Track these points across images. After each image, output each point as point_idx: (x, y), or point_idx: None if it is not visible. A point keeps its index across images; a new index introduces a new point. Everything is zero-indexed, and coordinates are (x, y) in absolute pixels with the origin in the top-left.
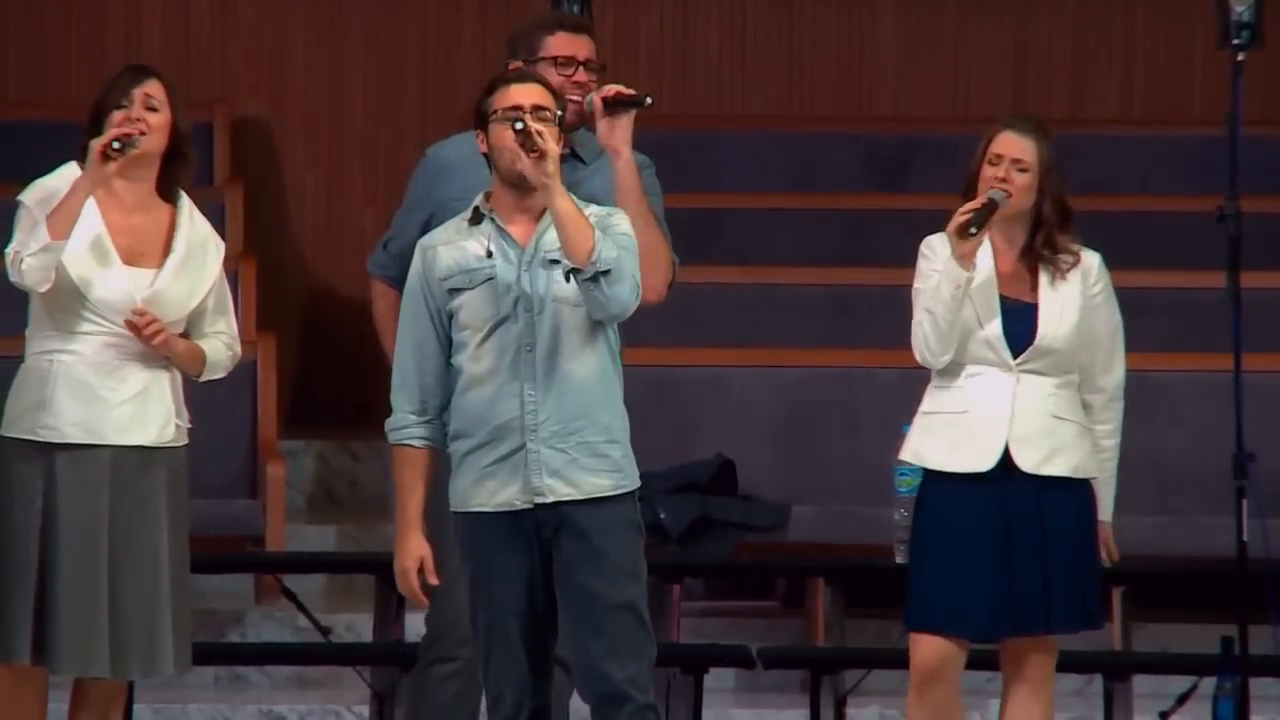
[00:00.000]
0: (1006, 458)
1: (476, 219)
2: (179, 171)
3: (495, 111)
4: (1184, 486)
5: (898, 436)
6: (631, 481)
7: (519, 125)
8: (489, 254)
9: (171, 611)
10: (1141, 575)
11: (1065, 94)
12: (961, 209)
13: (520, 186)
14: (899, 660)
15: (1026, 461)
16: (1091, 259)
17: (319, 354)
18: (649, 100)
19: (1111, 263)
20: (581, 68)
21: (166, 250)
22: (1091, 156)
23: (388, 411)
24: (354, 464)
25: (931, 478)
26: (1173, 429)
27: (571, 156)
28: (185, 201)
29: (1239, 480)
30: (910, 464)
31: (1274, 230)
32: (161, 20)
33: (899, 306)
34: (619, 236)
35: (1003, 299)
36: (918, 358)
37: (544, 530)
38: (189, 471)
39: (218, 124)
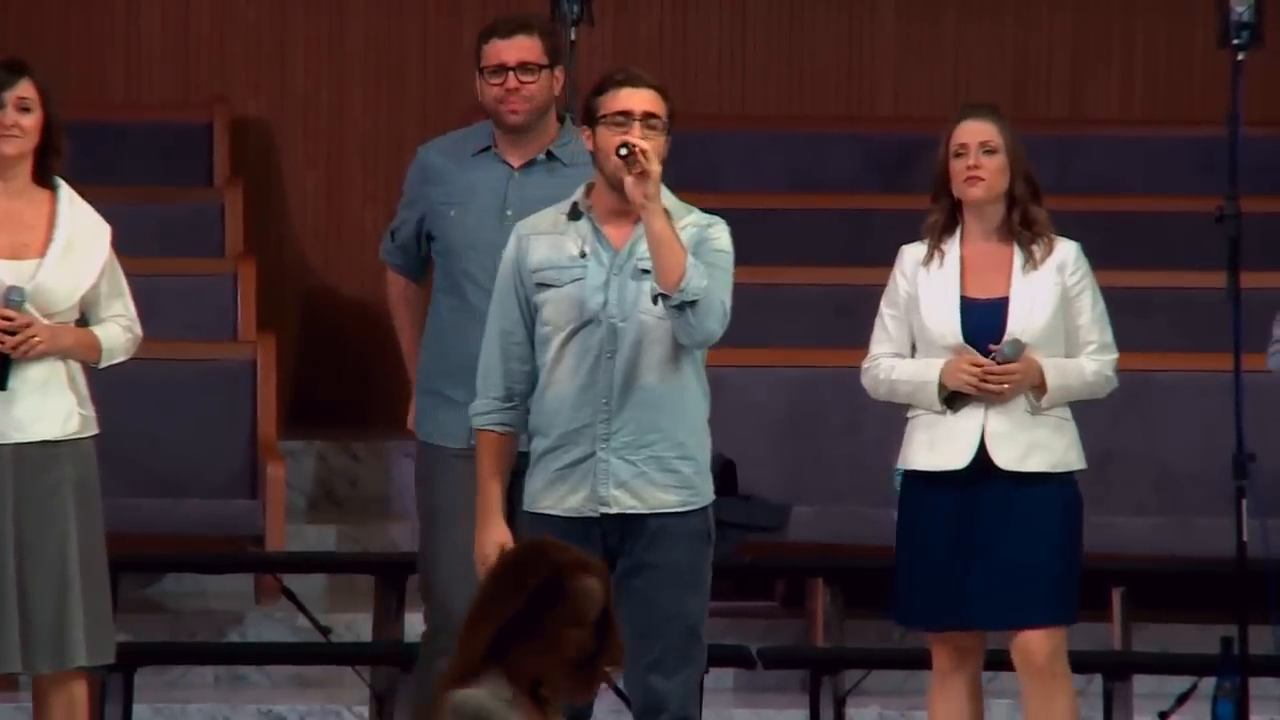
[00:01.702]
0: (985, 456)
1: (575, 215)
2: (52, 163)
3: (604, 115)
4: (1184, 486)
5: (897, 437)
6: (701, 499)
7: (622, 151)
8: (582, 254)
9: (83, 603)
10: (1141, 575)
11: (1065, 94)
12: (975, 372)
13: (622, 190)
14: (899, 661)
15: (1003, 459)
16: (1068, 249)
17: (319, 354)
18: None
19: (1111, 263)
20: (513, 73)
21: (47, 241)
22: (1091, 157)
23: (387, 411)
24: (354, 464)
25: (910, 478)
26: (1172, 429)
27: (548, 158)
28: (64, 190)
29: (1239, 480)
30: None
31: (1274, 230)
32: (161, 19)
33: None
34: (713, 254)
35: (970, 300)
36: (863, 380)
37: (610, 538)
38: (97, 460)
39: (217, 124)
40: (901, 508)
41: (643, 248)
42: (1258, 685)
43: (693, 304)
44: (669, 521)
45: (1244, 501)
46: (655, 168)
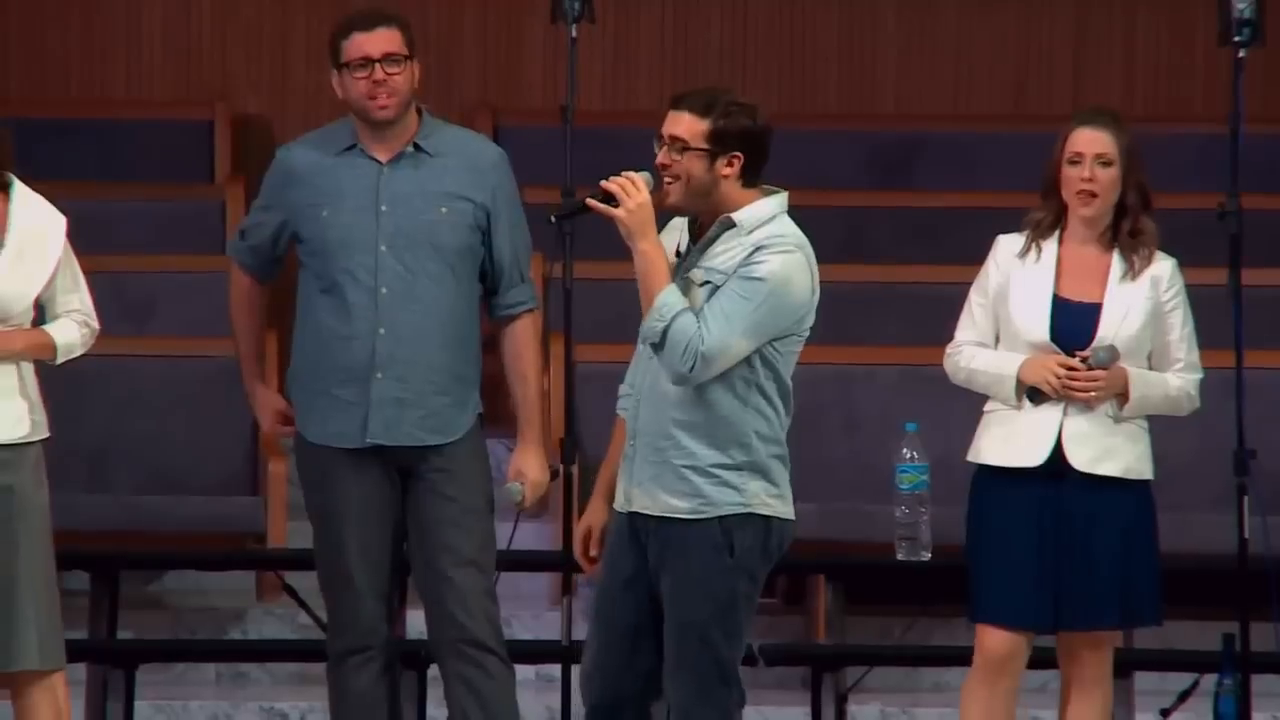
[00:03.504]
0: (1061, 456)
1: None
2: None
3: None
4: (1185, 483)
5: (898, 434)
6: (713, 508)
7: (579, 205)
8: (678, 254)
9: (34, 606)
10: None
11: (1067, 91)
12: (1056, 374)
13: (676, 209)
14: (901, 658)
15: (1079, 459)
16: (1166, 264)
17: None
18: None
19: None
20: (379, 65)
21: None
22: None
23: None
24: None
25: (985, 473)
26: (1174, 425)
27: (415, 150)
28: (16, 189)
29: (1240, 477)
30: (912, 462)
31: (1275, 227)
32: (162, 18)
33: (900, 304)
34: (738, 282)
35: (1062, 300)
36: (945, 365)
37: (641, 535)
38: (47, 463)
39: (219, 121)
40: (974, 503)
41: (704, 256)
42: (1259, 682)
43: (657, 345)
44: (676, 528)
45: (1245, 499)
46: (621, 211)
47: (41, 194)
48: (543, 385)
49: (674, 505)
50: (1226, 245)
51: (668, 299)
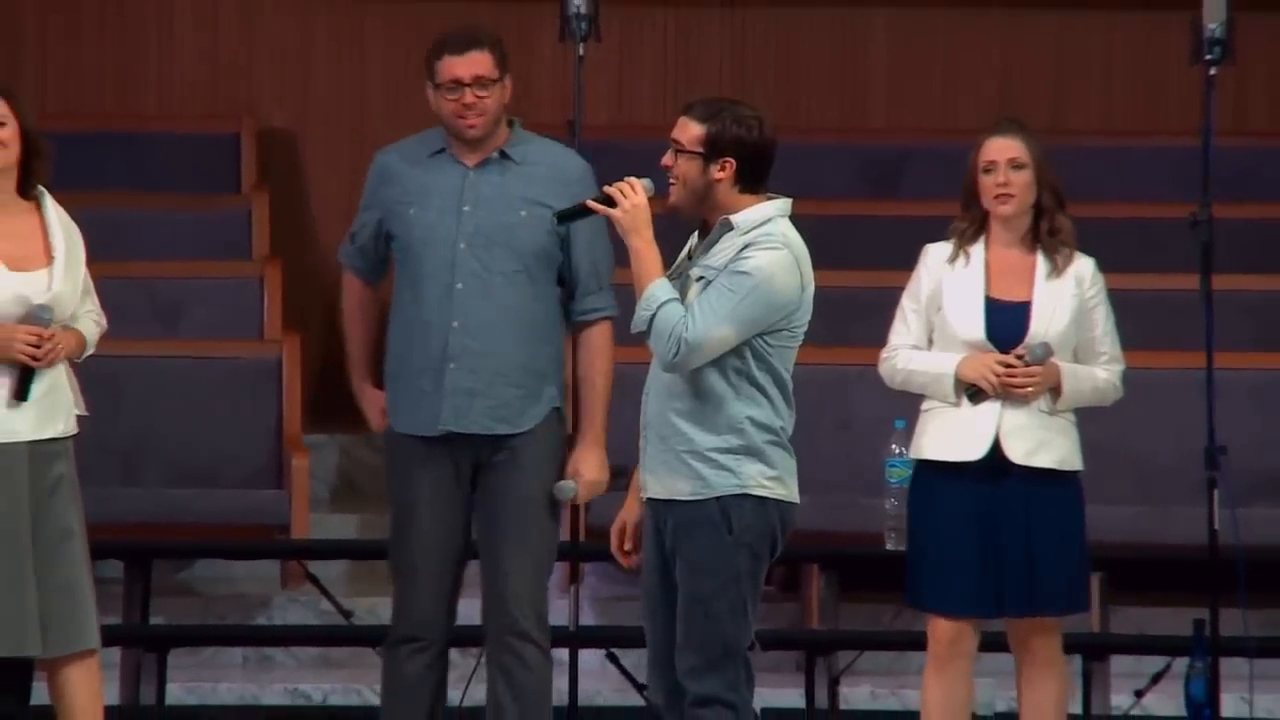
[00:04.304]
0: (999, 450)
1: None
2: (37, 170)
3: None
4: (1159, 478)
5: (888, 431)
6: (711, 490)
7: (581, 207)
8: (689, 256)
9: (90, 591)
10: (1119, 562)
11: (1047, 106)
12: (994, 372)
13: (676, 210)
14: (890, 643)
15: (1015, 452)
16: (1086, 264)
17: (341, 352)
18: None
19: None
20: (469, 89)
21: (47, 250)
22: (1072, 165)
23: None
24: (374, 456)
25: (924, 467)
26: (1149, 423)
27: (501, 157)
28: (48, 200)
29: (1210, 472)
30: (900, 457)
31: (1244, 235)
32: (192, 37)
33: (891, 308)
34: (728, 276)
35: (994, 301)
36: (880, 369)
37: (660, 520)
38: (81, 459)
39: (245, 135)
40: (914, 497)
41: (704, 256)
42: (1228, 665)
43: (645, 333)
44: (680, 509)
45: (1215, 492)
46: (617, 211)
47: (78, 204)
48: (610, 389)
49: (679, 488)
50: (1198, 252)
51: (655, 290)
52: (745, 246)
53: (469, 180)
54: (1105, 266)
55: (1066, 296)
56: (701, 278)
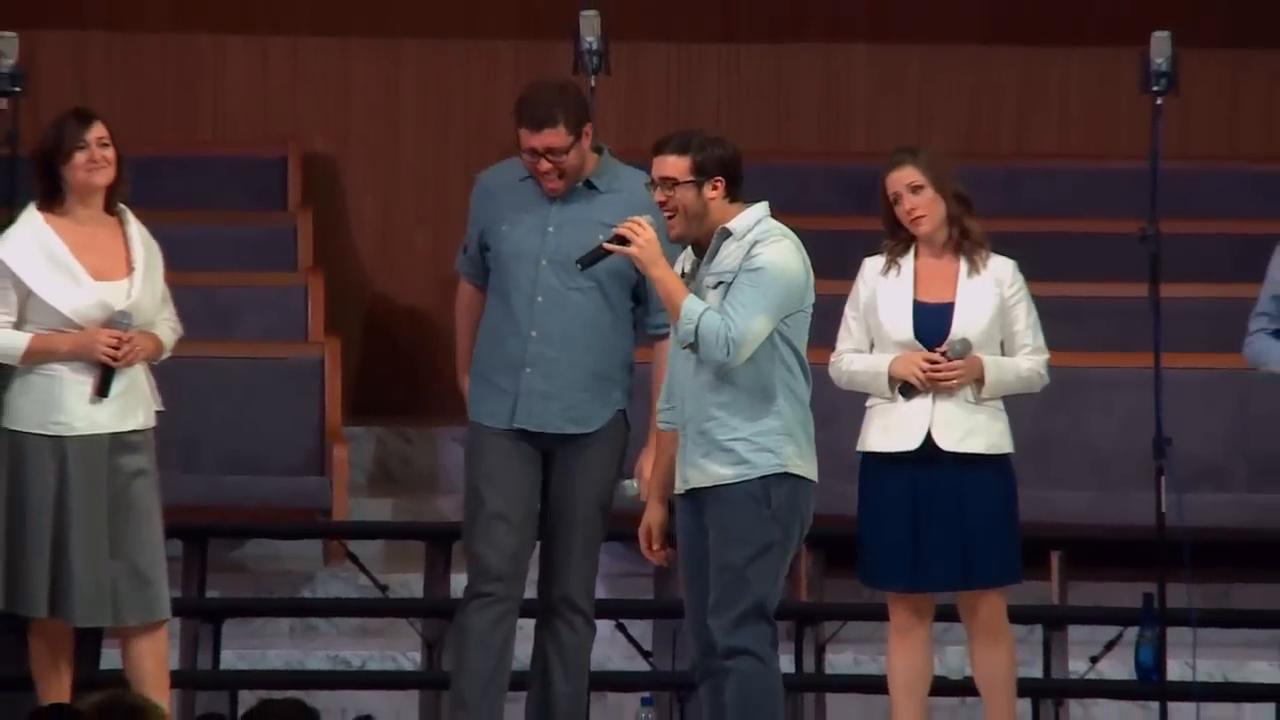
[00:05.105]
0: (931, 439)
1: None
2: (120, 192)
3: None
4: (1113, 466)
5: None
6: (754, 470)
7: (600, 251)
8: (683, 273)
9: (164, 567)
10: (1076, 541)
11: (1011, 131)
12: (921, 369)
13: (681, 240)
14: (871, 614)
15: (946, 441)
16: (1006, 265)
17: (377, 353)
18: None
19: (1050, 275)
20: (543, 158)
21: (128, 261)
22: (1034, 185)
23: (436, 401)
24: (408, 446)
25: (868, 458)
26: (1104, 417)
27: (586, 186)
28: (129, 215)
29: (1159, 460)
30: None
31: (1188, 249)
32: (243, 70)
33: None
34: (746, 274)
35: (921, 304)
36: (830, 372)
37: (698, 509)
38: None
39: (290, 158)
40: (861, 485)
41: (710, 266)
42: (1174, 634)
43: (693, 344)
44: (722, 489)
45: (1163, 479)
46: (633, 250)
47: (142, 220)
48: None
49: (722, 474)
50: (1147, 263)
51: (691, 305)
52: (753, 245)
53: (555, 205)
54: (1063, 276)
55: (988, 295)
56: (720, 283)
